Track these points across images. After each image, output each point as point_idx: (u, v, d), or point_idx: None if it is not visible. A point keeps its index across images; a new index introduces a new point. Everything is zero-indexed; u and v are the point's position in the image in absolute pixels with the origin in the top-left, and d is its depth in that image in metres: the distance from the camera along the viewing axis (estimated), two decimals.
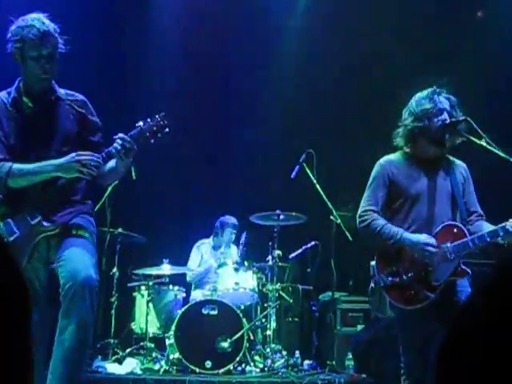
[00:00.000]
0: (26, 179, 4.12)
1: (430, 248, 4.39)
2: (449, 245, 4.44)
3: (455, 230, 4.49)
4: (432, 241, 4.42)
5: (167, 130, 4.32)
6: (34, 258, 4.20)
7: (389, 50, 9.34)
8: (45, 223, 4.17)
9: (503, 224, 4.34)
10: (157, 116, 4.34)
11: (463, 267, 4.45)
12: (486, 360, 1.07)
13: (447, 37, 9.29)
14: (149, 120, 4.30)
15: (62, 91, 4.41)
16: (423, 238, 4.43)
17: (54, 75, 4.28)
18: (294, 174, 7.83)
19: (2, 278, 1.09)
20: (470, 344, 1.11)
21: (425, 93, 4.65)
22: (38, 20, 4.15)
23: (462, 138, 4.55)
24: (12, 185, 4.14)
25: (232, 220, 8.77)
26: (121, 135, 4.14)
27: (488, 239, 4.34)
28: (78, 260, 4.12)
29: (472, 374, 1.08)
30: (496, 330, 1.08)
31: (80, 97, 4.46)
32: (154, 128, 4.28)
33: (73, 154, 4.09)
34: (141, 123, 4.26)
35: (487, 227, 4.49)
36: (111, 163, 4.24)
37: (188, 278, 8.66)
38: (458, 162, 4.80)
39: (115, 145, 4.12)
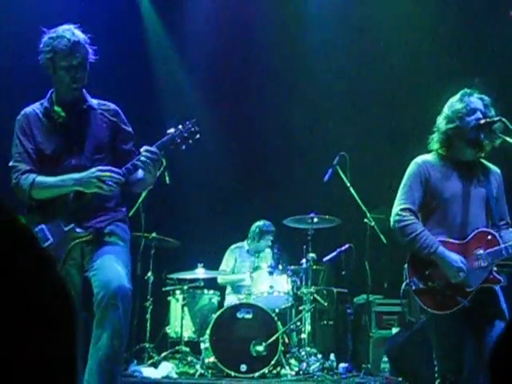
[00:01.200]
0: (49, 192, 4.20)
1: (462, 274, 4.34)
2: (482, 252, 4.40)
3: (489, 237, 4.44)
4: (464, 267, 4.37)
5: (198, 136, 4.35)
6: (67, 264, 4.24)
7: (424, 54, 9.30)
8: (78, 229, 4.21)
9: None
10: (187, 122, 4.38)
11: (495, 275, 4.41)
12: None
13: (480, 38, 9.20)
14: (180, 127, 4.34)
15: (94, 101, 4.46)
16: (457, 259, 4.36)
17: (84, 84, 4.34)
18: (327, 176, 7.82)
19: (48, 290, 1.11)
20: None
21: (456, 95, 4.62)
22: (69, 31, 4.22)
23: (498, 138, 4.50)
24: (35, 196, 4.22)
25: (271, 227, 8.77)
26: (146, 147, 4.17)
27: None
28: (111, 269, 4.14)
29: None
30: None
31: (112, 106, 4.50)
32: (185, 134, 4.31)
33: (93, 170, 4.14)
34: (172, 130, 4.30)
35: None
36: (140, 173, 4.29)
37: (219, 280, 8.68)
38: (493, 167, 4.73)
39: (141, 158, 4.16)
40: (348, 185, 7.77)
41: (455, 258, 4.36)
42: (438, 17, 9.41)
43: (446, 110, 4.61)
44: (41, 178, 4.20)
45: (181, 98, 9.69)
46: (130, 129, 4.50)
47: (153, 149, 4.16)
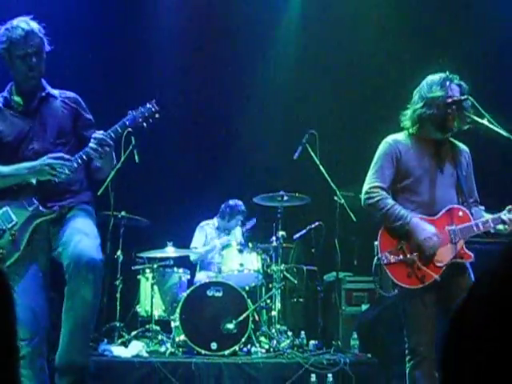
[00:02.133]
0: (5, 181, 4.33)
1: (435, 239, 4.39)
2: (454, 227, 4.45)
3: (460, 214, 4.51)
4: (440, 235, 4.41)
5: (158, 115, 4.55)
6: (33, 243, 4.33)
7: (395, 35, 9.32)
8: (42, 208, 4.32)
9: (504, 212, 4.46)
10: (147, 103, 4.56)
11: (466, 250, 4.47)
12: (491, 355, 1.06)
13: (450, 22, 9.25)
14: (140, 107, 4.52)
15: (54, 91, 4.62)
16: (432, 228, 4.42)
17: (41, 73, 4.48)
18: (296, 154, 7.81)
19: None
20: (474, 337, 1.10)
21: (437, 78, 4.61)
22: (23, 21, 4.38)
23: (467, 117, 4.53)
24: None
25: (242, 207, 8.78)
26: (94, 135, 4.33)
27: (492, 225, 4.43)
28: (80, 241, 4.24)
29: (477, 365, 1.08)
30: (500, 324, 1.07)
31: (72, 94, 4.68)
32: (146, 114, 4.51)
33: (44, 158, 4.30)
34: (133, 111, 4.49)
35: (484, 214, 4.59)
36: (95, 162, 4.47)
37: (192, 257, 8.67)
38: (462, 146, 4.80)
39: (90, 145, 4.31)
40: (317, 163, 7.77)
41: (430, 227, 4.41)
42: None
43: (424, 91, 4.61)
44: None
45: (151, 78, 9.61)
46: (91, 116, 4.67)
47: (99, 135, 4.31)
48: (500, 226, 4.44)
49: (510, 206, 4.50)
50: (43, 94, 4.52)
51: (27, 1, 7.51)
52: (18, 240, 4.25)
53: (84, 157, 4.33)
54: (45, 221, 4.35)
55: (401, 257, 4.44)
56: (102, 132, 4.34)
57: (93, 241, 4.30)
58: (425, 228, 4.40)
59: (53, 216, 4.35)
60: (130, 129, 4.54)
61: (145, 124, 4.52)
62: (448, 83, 4.56)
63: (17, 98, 4.49)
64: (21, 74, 4.39)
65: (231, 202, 8.81)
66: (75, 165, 4.33)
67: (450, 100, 4.49)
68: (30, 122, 4.45)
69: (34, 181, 4.32)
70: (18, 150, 4.39)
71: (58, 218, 4.37)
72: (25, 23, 4.36)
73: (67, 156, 4.34)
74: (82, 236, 4.26)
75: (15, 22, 4.38)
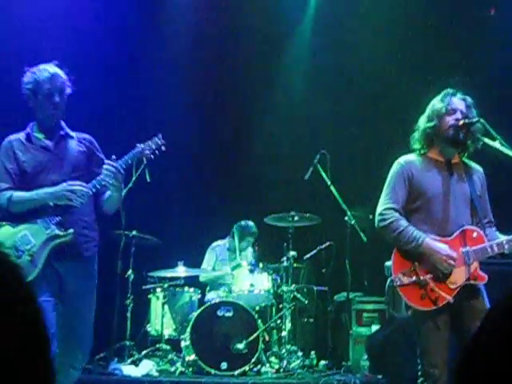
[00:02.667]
0: (25, 205, 4.63)
1: (451, 261, 4.38)
2: (467, 249, 4.44)
3: (474, 235, 4.48)
4: (454, 254, 4.40)
5: (164, 148, 4.95)
6: (47, 267, 4.58)
7: (409, 54, 9.36)
8: (58, 231, 4.59)
9: None
10: (155, 137, 4.95)
11: (480, 272, 4.45)
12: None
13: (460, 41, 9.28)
14: (148, 141, 4.90)
15: (72, 132, 4.95)
16: (446, 248, 4.41)
17: (62, 112, 4.83)
18: (307, 174, 7.83)
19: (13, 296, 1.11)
20: (488, 363, 1.11)
21: (439, 95, 4.66)
22: (49, 66, 4.77)
23: (479, 140, 4.54)
24: (13, 210, 4.63)
25: (253, 229, 8.77)
26: (106, 166, 4.65)
27: (506, 246, 4.40)
28: (77, 329, 4.67)
29: None
30: None
31: (88, 136, 5.02)
32: (154, 147, 4.89)
33: (64, 184, 4.61)
34: (141, 144, 4.85)
35: (498, 235, 4.57)
36: (107, 193, 4.80)
37: (201, 279, 8.68)
38: (476, 166, 4.78)
39: (104, 172, 4.64)
40: (328, 183, 7.78)
41: (443, 246, 4.40)
42: (424, 16, 9.47)
43: (427, 110, 4.67)
44: (18, 194, 4.65)
45: (163, 96, 9.66)
46: (103, 156, 4.92)
47: (110, 166, 4.63)
48: None
49: None
50: (62, 132, 4.85)
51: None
52: (35, 259, 4.49)
53: (97, 185, 4.63)
54: (60, 243, 4.58)
55: (414, 278, 4.43)
56: (112, 162, 4.65)
57: (88, 325, 4.73)
58: (439, 249, 4.39)
59: (68, 239, 4.59)
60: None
61: (152, 156, 4.88)
62: (449, 97, 4.60)
63: (38, 135, 4.81)
64: (44, 111, 4.74)
65: (242, 223, 8.81)
66: (90, 192, 4.63)
67: (461, 122, 4.51)
68: (50, 155, 4.76)
69: (51, 203, 4.58)
70: (36, 180, 4.67)
71: (73, 241, 4.63)
72: (50, 67, 4.74)
73: (85, 184, 4.63)
74: (81, 319, 4.68)
75: (41, 66, 4.74)
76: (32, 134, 4.81)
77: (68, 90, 4.78)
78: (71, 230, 4.59)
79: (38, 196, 4.60)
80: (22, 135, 4.84)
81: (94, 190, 4.64)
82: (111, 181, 4.61)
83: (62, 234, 4.57)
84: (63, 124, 4.91)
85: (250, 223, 8.79)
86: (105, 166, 4.62)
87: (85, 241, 4.73)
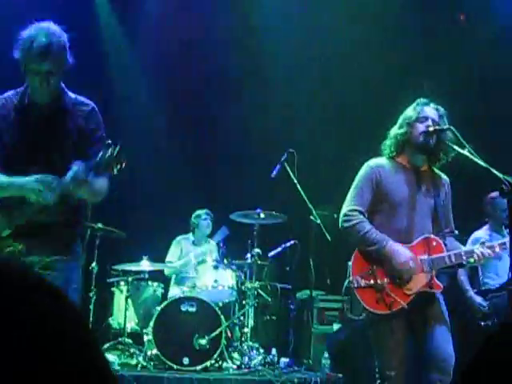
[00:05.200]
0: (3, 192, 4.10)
1: (412, 264, 4.44)
2: (426, 257, 4.51)
3: (434, 244, 4.55)
4: (414, 260, 4.47)
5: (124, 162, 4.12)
6: None
7: (381, 52, 9.43)
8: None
9: (477, 246, 4.55)
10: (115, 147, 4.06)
11: (437, 281, 4.52)
12: None
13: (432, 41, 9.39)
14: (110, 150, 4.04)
15: (71, 96, 4.32)
16: (407, 253, 4.47)
17: (54, 90, 4.17)
18: (274, 173, 7.85)
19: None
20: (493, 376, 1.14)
21: (412, 104, 4.74)
22: (44, 33, 4.01)
23: (450, 149, 4.61)
24: None
25: (203, 210, 8.87)
26: (70, 173, 3.97)
27: (464, 257, 4.47)
28: None
29: None
30: None
31: (87, 107, 4.35)
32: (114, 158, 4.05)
33: (36, 176, 3.99)
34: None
35: (459, 245, 4.67)
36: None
37: (166, 272, 8.69)
38: (443, 175, 4.85)
39: (66, 178, 3.99)
40: (295, 182, 7.81)
41: (406, 251, 4.46)
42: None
43: (399, 119, 4.73)
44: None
45: (133, 92, 9.64)
46: (100, 132, 4.32)
47: (74, 172, 3.95)
48: (471, 259, 4.50)
49: (483, 240, 4.59)
50: (55, 108, 4.23)
51: None
52: None
53: (63, 189, 4.02)
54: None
55: (371, 281, 4.48)
56: (78, 167, 3.97)
57: None
58: (402, 253, 4.45)
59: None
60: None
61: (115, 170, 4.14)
62: (421, 106, 4.67)
63: (30, 107, 4.21)
64: (32, 87, 4.13)
65: (196, 212, 8.94)
66: (58, 192, 4.01)
67: (431, 129, 4.57)
68: (39, 132, 4.19)
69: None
70: (27, 160, 4.15)
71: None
72: (45, 36, 3.98)
73: (57, 181, 4.00)
74: None
75: (38, 29, 4.03)
76: (26, 102, 4.16)
77: (68, 61, 4.04)
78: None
79: (10, 185, 4.06)
80: (16, 97, 4.23)
81: (60, 192, 4.01)
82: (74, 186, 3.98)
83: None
84: (60, 96, 4.23)
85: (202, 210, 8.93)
86: (68, 173, 3.94)
87: None
